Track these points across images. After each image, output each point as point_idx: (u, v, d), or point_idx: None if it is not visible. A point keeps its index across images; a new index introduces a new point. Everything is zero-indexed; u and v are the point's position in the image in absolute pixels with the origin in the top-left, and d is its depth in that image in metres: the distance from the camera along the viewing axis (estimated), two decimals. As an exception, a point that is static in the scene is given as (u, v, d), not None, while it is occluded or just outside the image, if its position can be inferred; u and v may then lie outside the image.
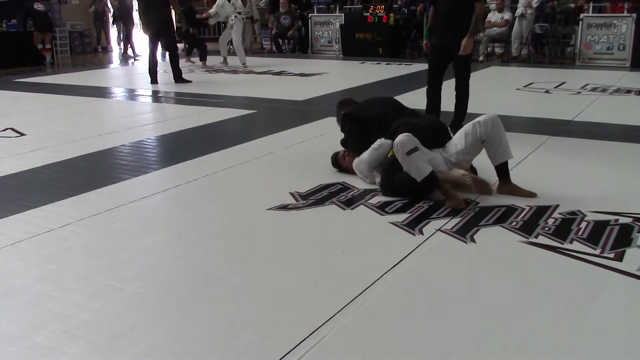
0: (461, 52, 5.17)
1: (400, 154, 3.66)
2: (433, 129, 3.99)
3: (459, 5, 5.21)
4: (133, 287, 2.68)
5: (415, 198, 3.72)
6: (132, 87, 9.28)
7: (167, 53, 9.51)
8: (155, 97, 8.49)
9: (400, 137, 3.68)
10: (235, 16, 11.01)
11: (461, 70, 5.42)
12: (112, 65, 13.36)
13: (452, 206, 3.56)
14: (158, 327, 2.35)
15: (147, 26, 9.23)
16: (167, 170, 4.58)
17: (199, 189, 4.12)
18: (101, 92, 8.75)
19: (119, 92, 9.04)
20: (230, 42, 11.80)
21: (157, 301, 2.56)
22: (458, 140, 3.87)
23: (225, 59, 11.76)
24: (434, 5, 5.52)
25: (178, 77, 9.31)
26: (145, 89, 9.01)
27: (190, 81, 9.38)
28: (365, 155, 4.04)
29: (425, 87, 5.60)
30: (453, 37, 5.22)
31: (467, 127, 3.87)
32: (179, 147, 5.44)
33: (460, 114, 5.45)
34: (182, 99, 8.11)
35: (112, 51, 16.44)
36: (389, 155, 3.88)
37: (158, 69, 9.38)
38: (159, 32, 9.11)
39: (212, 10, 11.22)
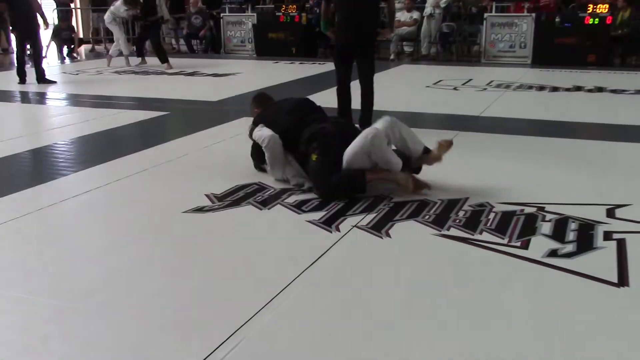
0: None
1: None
2: (344, 137, 3.89)
3: (363, 6, 5.28)
4: (43, 298, 2.57)
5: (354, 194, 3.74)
6: (36, 90, 8.86)
7: (32, 50, 9.30)
8: (61, 99, 8.16)
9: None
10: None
11: (365, 68, 5.47)
12: (14, 68, 12.71)
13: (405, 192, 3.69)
14: (72, 338, 2.27)
15: (17, 24, 8.95)
16: (76, 175, 4.41)
17: (111, 194, 4.00)
18: (3, 96, 8.33)
19: (21, 95, 8.63)
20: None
21: (70, 311, 2.47)
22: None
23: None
24: (329, 2, 5.51)
25: (41, 77, 9.17)
26: (52, 92, 8.64)
27: (55, 81, 9.28)
28: (268, 163, 4.06)
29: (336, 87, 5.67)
30: (357, 36, 5.30)
31: (367, 131, 3.86)
32: (87, 152, 5.25)
33: (368, 112, 5.47)
34: (90, 101, 7.82)
35: (12, 52, 15.66)
36: (313, 159, 3.82)
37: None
38: (26, 29, 8.92)
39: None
